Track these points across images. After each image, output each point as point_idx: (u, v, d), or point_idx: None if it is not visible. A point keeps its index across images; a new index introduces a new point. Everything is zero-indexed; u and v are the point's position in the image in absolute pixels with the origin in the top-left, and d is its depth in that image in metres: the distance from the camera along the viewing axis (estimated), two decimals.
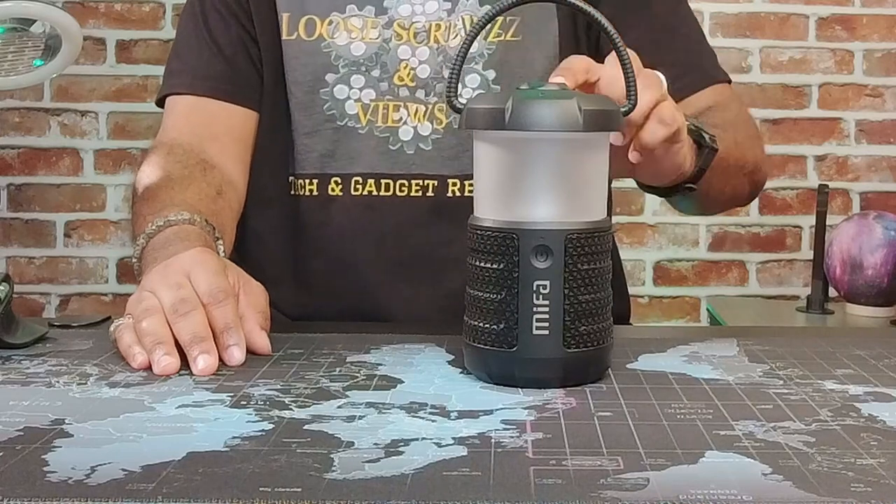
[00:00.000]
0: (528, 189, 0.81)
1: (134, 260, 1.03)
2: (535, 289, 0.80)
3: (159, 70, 2.56)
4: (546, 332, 0.81)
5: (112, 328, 0.92)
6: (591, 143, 0.83)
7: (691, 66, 1.24)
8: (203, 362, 0.85)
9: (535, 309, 0.80)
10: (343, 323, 1.18)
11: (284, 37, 1.24)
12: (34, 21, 1.60)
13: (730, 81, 1.28)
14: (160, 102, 1.29)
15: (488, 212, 0.83)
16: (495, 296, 0.81)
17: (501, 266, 0.81)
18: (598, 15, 0.87)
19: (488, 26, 1.16)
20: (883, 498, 0.58)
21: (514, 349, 0.81)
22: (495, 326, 0.82)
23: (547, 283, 0.80)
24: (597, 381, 0.84)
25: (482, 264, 0.82)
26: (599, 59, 1.25)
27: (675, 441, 0.68)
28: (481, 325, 0.83)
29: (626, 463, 0.63)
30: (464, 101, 0.86)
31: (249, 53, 1.26)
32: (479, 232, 0.83)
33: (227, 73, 1.25)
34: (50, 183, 2.62)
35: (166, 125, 1.25)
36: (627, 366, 0.89)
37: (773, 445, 0.67)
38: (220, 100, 1.24)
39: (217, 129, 1.23)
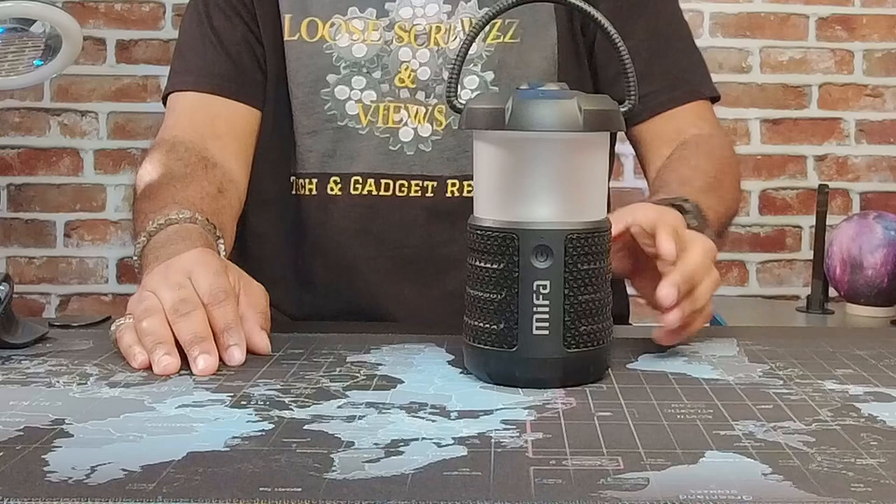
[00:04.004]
0: (528, 189, 0.81)
1: (135, 258, 1.03)
2: (535, 289, 0.80)
3: (159, 70, 2.57)
4: (546, 332, 0.81)
5: (112, 328, 0.92)
6: (590, 143, 0.83)
7: (680, 80, 1.25)
8: (203, 362, 0.85)
9: (535, 309, 0.80)
10: (343, 323, 1.18)
11: (286, 38, 1.24)
12: (34, 21, 1.60)
13: (717, 96, 1.29)
14: (165, 101, 1.29)
15: (488, 212, 0.83)
16: (495, 296, 0.81)
17: (501, 266, 0.81)
18: (597, 14, 0.87)
19: (487, 28, 1.16)
20: (883, 498, 0.58)
21: (514, 349, 0.81)
22: (495, 326, 0.82)
23: (547, 283, 0.80)
24: (597, 382, 0.84)
25: (482, 264, 0.82)
26: (593, 62, 1.25)
27: (675, 441, 0.68)
28: (481, 325, 0.83)
29: (626, 463, 0.63)
30: (463, 102, 0.86)
31: (254, 52, 1.26)
32: (479, 232, 0.83)
33: (231, 70, 1.25)
34: (50, 183, 2.61)
35: (168, 122, 1.25)
36: (627, 366, 0.89)
37: (773, 445, 0.67)
38: (223, 97, 1.24)
39: (219, 127, 1.23)
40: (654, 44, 1.24)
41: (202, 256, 0.94)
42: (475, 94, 1.21)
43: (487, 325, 0.82)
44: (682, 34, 1.30)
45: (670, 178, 1.14)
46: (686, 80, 1.26)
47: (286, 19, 1.24)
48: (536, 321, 0.80)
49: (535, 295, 0.80)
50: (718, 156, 1.22)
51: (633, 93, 0.88)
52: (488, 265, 0.82)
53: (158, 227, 1.01)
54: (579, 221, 0.81)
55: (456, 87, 0.88)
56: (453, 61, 0.88)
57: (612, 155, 1.23)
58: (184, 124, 1.23)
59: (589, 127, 0.81)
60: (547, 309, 0.80)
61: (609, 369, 0.86)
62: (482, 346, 0.83)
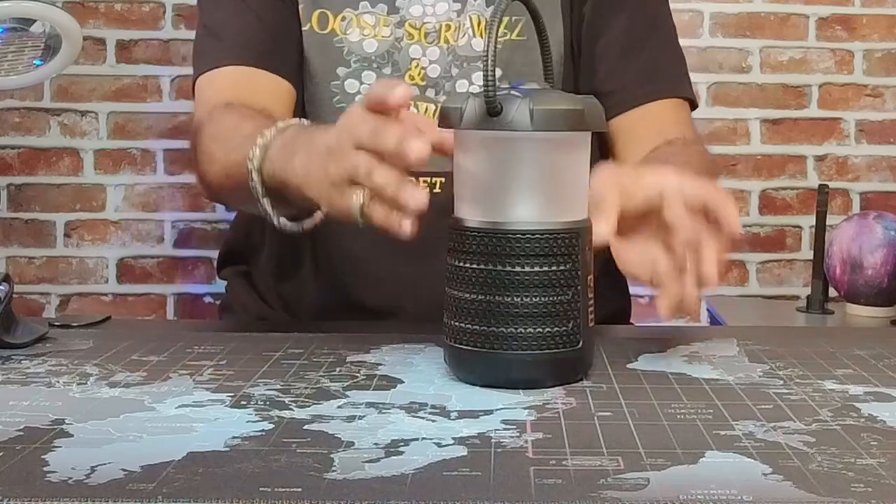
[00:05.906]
0: (509, 189, 0.81)
1: (252, 164, 0.95)
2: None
3: (159, 70, 2.57)
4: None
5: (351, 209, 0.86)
6: (573, 142, 0.82)
7: (657, 76, 1.24)
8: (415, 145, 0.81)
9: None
10: (344, 322, 1.18)
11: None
12: (34, 21, 1.60)
13: (693, 100, 1.28)
14: (194, 90, 1.25)
15: (470, 212, 0.82)
16: (476, 296, 0.81)
17: (482, 266, 0.81)
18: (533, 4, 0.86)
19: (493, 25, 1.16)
20: (883, 498, 0.58)
21: (496, 350, 0.81)
22: (476, 327, 0.81)
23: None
24: (593, 382, 0.83)
25: (463, 264, 0.82)
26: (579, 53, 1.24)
27: (675, 441, 0.68)
28: (462, 325, 0.82)
29: (626, 463, 0.63)
30: (500, 105, 0.80)
31: (293, 33, 1.23)
32: (460, 232, 0.82)
33: (271, 45, 1.22)
34: (50, 183, 2.61)
35: (205, 98, 1.20)
36: (627, 366, 0.89)
37: (773, 445, 0.67)
38: (265, 70, 1.21)
39: (263, 98, 1.18)
40: (633, 38, 1.23)
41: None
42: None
43: (469, 326, 0.81)
44: (663, 32, 1.28)
45: (667, 161, 1.08)
46: (663, 77, 1.25)
47: (300, 8, 1.24)
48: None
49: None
50: (705, 160, 1.19)
51: (550, 75, 0.88)
52: (470, 265, 0.81)
53: (280, 129, 0.96)
54: (560, 221, 0.81)
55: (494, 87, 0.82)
56: (484, 63, 0.81)
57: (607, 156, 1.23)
58: (227, 94, 1.18)
59: (571, 126, 0.80)
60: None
61: (609, 369, 0.86)
62: (462, 346, 0.82)
